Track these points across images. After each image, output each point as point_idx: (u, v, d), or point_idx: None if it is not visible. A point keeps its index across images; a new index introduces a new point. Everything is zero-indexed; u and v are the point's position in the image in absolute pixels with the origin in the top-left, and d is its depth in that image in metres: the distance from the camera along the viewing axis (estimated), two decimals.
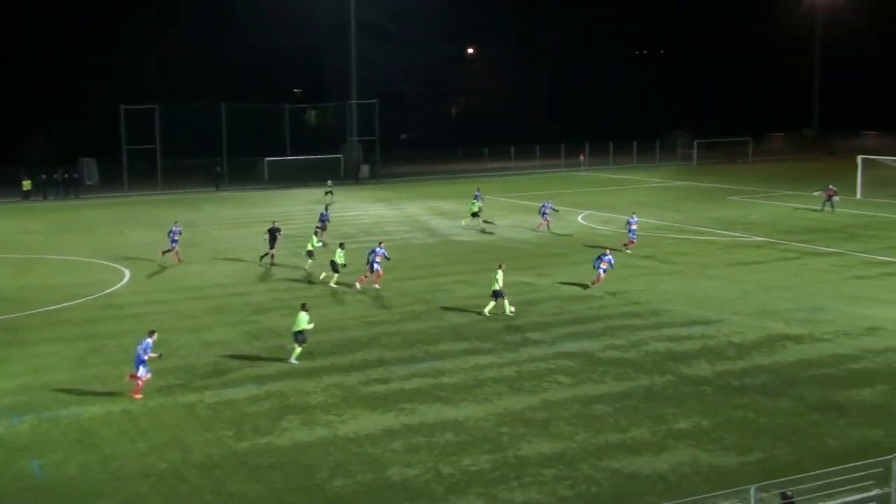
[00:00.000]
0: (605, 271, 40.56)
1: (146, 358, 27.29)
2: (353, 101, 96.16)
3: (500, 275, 36.57)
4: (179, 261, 48.37)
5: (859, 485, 19.32)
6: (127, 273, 46.09)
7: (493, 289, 36.54)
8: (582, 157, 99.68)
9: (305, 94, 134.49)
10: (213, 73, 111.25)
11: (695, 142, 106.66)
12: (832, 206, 63.17)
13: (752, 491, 17.06)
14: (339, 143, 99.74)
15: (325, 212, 56.48)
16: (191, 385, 28.59)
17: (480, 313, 36.48)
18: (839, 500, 19.23)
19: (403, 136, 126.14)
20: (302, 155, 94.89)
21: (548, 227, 56.52)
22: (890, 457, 18.29)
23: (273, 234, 47.48)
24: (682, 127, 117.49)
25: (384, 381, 28.75)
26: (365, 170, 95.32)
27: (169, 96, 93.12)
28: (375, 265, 41.33)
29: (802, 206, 65.95)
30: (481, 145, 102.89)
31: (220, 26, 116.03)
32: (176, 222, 50.78)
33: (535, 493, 20.87)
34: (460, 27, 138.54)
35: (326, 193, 76.52)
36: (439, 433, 24.37)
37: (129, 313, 37.81)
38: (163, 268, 47.40)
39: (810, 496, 19.06)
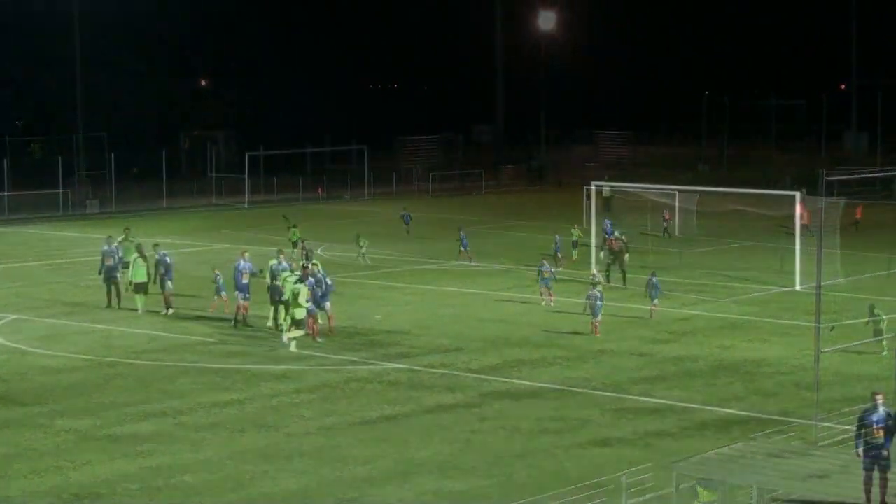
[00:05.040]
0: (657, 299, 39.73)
1: None
2: (80, 134, 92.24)
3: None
4: None
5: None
6: None
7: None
8: (320, 190, 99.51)
9: (28, 126, 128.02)
10: None
11: (430, 174, 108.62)
12: (669, 233, 63.18)
13: None
14: (67, 176, 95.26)
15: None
16: None
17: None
18: None
19: (135, 169, 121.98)
20: (25, 190, 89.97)
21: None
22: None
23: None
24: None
25: None
26: (94, 204, 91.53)
27: None
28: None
29: (537, 235, 68.25)
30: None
31: None
32: None
33: None
34: (193, 60, 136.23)
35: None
36: None
37: None
38: None
39: None
